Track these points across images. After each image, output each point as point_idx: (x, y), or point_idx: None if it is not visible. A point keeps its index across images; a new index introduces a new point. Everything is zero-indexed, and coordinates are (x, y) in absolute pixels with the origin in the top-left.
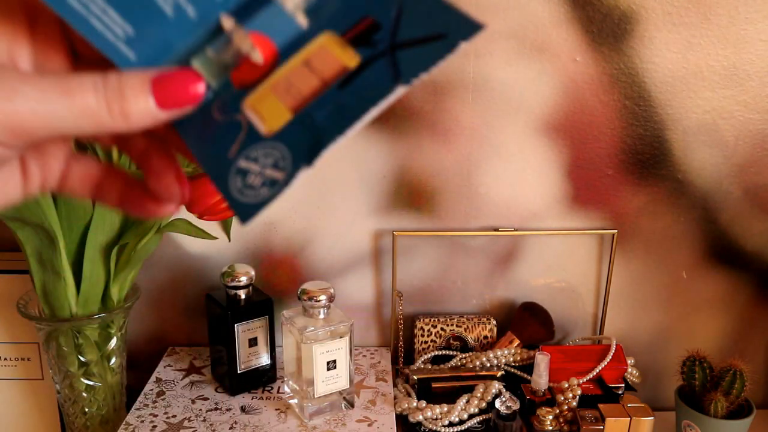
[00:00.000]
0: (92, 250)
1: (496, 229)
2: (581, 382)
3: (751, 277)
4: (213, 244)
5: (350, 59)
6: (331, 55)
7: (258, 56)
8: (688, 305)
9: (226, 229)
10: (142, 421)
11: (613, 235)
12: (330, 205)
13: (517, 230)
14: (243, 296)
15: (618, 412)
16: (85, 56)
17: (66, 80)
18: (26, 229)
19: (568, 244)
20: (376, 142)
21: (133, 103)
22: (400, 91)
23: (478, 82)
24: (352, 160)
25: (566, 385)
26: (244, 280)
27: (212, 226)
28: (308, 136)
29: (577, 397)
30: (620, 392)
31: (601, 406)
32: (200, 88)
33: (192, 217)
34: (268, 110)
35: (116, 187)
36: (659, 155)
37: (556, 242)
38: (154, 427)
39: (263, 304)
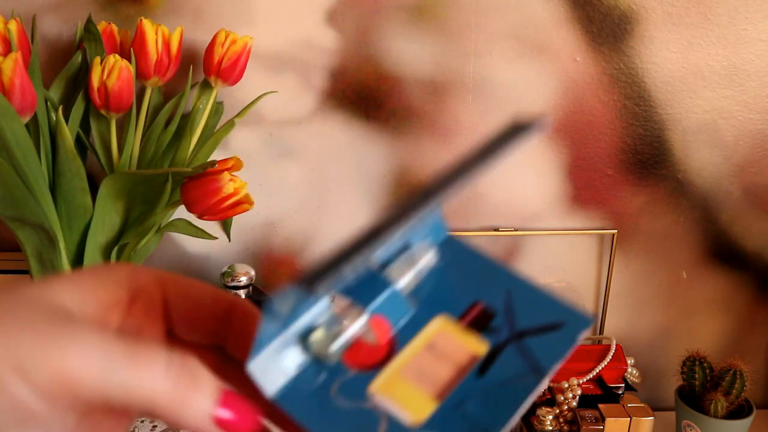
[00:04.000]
0: (92, 250)
1: (496, 229)
2: (581, 382)
3: (751, 277)
4: (213, 244)
5: (478, 346)
6: (455, 340)
7: (374, 337)
8: (688, 305)
9: (226, 229)
10: (142, 421)
11: (613, 235)
12: (330, 205)
13: (517, 230)
14: (243, 296)
15: (618, 412)
16: (181, 340)
17: (136, 342)
18: (26, 229)
19: (568, 244)
20: (376, 142)
21: (199, 394)
22: (545, 382)
23: (478, 82)
24: (352, 160)
25: (566, 385)
26: (244, 280)
27: (212, 226)
28: (468, 427)
29: (577, 397)
30: (620, 392)
31: (601, 406)
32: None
33: (192, 217)
34: (406, 397)
35: None
36: (659, 155)
37: (556, 242)
38: (154, 427)
39: (263, 304)
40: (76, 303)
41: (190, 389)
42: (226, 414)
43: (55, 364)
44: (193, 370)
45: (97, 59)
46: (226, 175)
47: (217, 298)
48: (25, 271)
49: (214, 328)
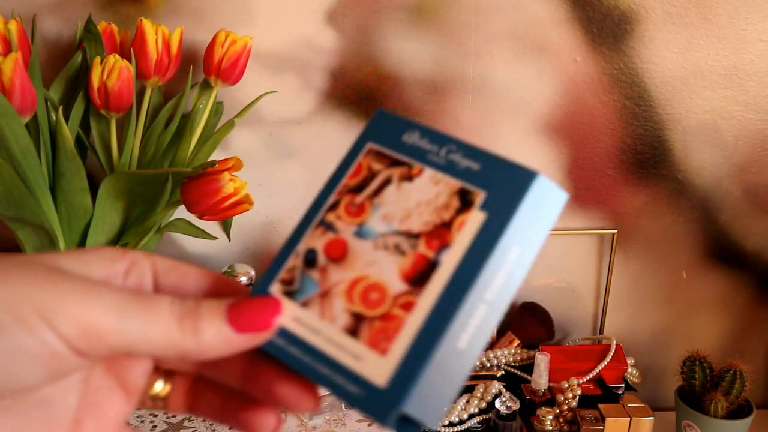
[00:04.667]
0: None
1: None
2: (581, 382)
3: (751, 277)
4: (213, 244)
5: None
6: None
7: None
8: (688, 305)
9: (226, 229)
10: (142, 421)
11: (613, 235)
12: None
13: None
14: None
15: (618, 412)
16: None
17: (145, 294)
18: (26, 229)
19: (568, 244)
20: None
21: (206, 322)
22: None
23: (478, 82)
24: None
25: (566, 385)
26: (244, 280)
27: (212, 226)
28: None
29: (577, 397)
30: (620, 392)
31: (601, 406)
32: (276, 315)
33: (192, 217)
34: None
35: (214, 402)
36: (659, 155)
37: (556, 242)
38: (154, 427)
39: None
40: (82, 272)
41: (197, 321)
42: (240, 324)
43: (77, 316)
44: (194, 304)
45: (97, 59)
46: (226, 175)
47: (203, 273)
48: None
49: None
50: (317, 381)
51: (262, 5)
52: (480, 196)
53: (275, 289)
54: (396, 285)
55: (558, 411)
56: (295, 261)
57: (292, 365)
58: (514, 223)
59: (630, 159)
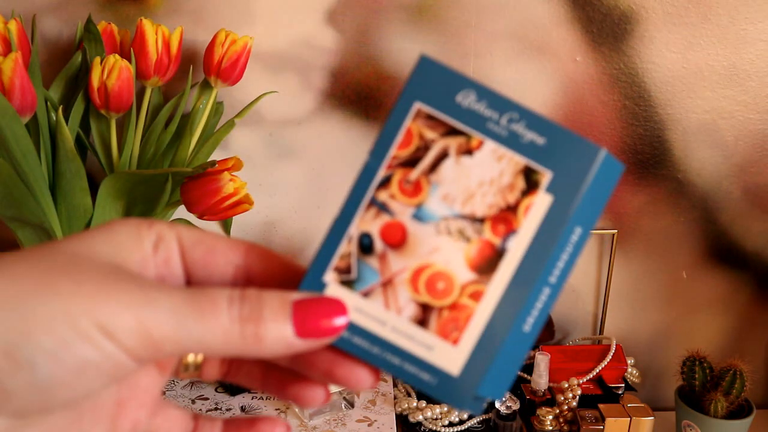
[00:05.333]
0: None
1: None
2: (581, 382)
3: (751, 277)
4: None
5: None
6: None
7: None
8: (688, 305)
9: (226, 229)
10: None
11: (613, 235)
12: (330, 205)
13: None
14: None
15: (618, 412)
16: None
17: (198, 294)
18: (26, 229)
19: None
20: None
21: (270, 327)
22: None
23: None
24: (352, 160)
25: (566, 385)
26: None
27: (212, 226)
28: None
29: (577, 397)
30: (620, 392)
31: (601, 406)
32: (342, 320)
33: (192, 217)
34: None
35: (253, 374)
36: (659, 155)
37: None
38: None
39: None
40: (119, 260)
41: (259, 324)
42: (304, 329)
43: (136, 326)
44: (254, 301)
45: (97, 59)
46: (226, 175)
47: (232, 244)
48: None
49: (233, 275)
50: (388, 370)
51: (262, 5)
52: (546, 177)
53: (330, 278)
54: (463, 273)
55: (558, 411)
56: (348, 246)
57: (361, 356)
58: (579, 204)
59: (630, 159)
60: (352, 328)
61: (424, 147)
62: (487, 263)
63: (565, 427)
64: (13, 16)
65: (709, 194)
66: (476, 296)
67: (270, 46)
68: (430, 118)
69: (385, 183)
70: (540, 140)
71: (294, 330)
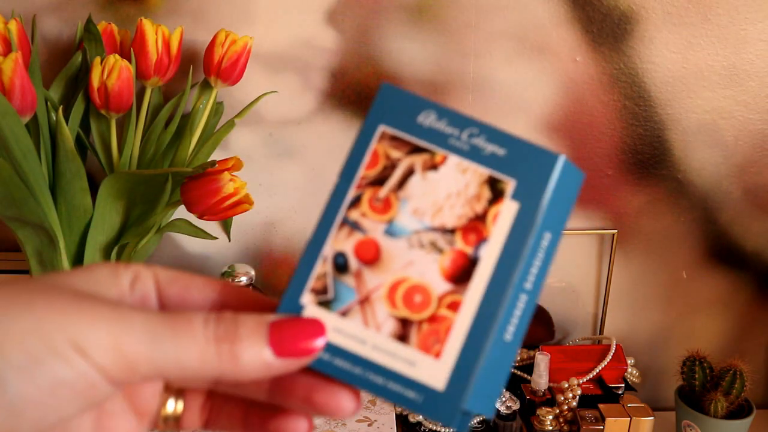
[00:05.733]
0: (92, 250)
1: None
2: (581, 382)
3: (751, 277)
4: (213, 244)
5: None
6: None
7: None
8: (688, 305)
9: (226, 229)
10: None
11: (613, 235)
12: None
13: None
14: None
15: (618, 412)
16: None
17: (173, 315)
18: (26, 229)
19: (568, 244)
20: None
21: (246, 345)
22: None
23: (478, 82)
24: None
25: (566, 385)
26: (244, 280)
27: (212, 226)
28: None
29: (577, 397)
30: (620, 392)
31: (601, 406)
32: (320, 340)
33: (192, 217)
34: None
35: (234, 415)
36: (659, 155)
37: None
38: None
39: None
40: (94, 291)
41: (235, 343)
42: (282, 349)
43: (110, 344)
44: (230, 322)
45: (97, 59)
46: (226, 175)
47: (207, 282)
48: (25, 271)
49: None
50: (371, 391)
51: (262, 5)
52: (510, 185)
53: (307, 299)
54: (439, 285)
55: (558, 411)
56: (323, 267)
57: (342, 378)
58: (545, 209)
59: (630, 159)
60: (332, 349)
61: (391, 166)
62: (462, 272)
63: (565, 427)
64: (13, 16)
65: (709, 194)
66: (454, 306)
67: (270, 46)
68: (394, 138)
69: (356, 202)
70: (501, 151)
71: (271, 350)
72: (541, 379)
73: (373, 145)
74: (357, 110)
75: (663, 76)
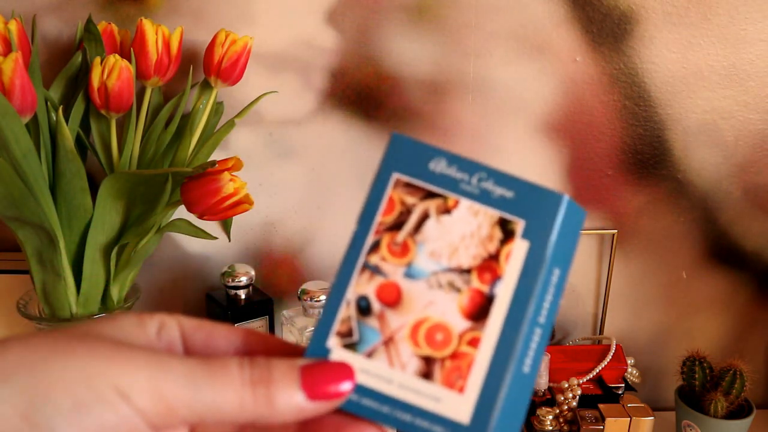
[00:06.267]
0: (92, 250)
1: None
2: (581, 382)
3: (751, 277)
4: (213, 244)
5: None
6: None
7: None
8: (688, 305)
9: (226, 229)
10: None
11: (613, 235)
12: (330, 205)
13: None
14: (243, 296)
15: (618, 412)
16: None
17: (210, 361)
18: (26, 229)
19: None
20: (376, 142)
21: (280, 388)
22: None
23: (478, 82)
24: (352, 160)
25: (566, 385)
26: (244, 280)
27: (212, 226)
28: None
29: (577, 397)
30: (620, 392)
31: (601, 406)
32: (349, 383)
33: (192, 217)
34: None
35: None
36: (659, 155)
37: None
38: None
39: (263, 304)
40: (126, 339)
41: (270, 386)
42: (314, 392)
43: (152, 389)
44: (263, 365)
45: (97, 59)
46: (226, 175)
47: (230, 330)
48: (25, 271)
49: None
50: (400, 428)
51: (262, 5)
52: (520, 225)
53: (333, 343)
54: (459, 323)
55: (558, 411)
56: (347, 311)
57: (372, 418)
58: (553, 247)
59: (630, 159)
60: (360, 389)
61: (407, 211)
62: (480, 310)
63: (565, 427)
64: (13, 16)
65: (709, 194)
66: (474, 342)
67: (270, 46)
68: (408, 185)
69: (375, 247)
70: (509, 194)
71: (304, 394)
72: (541, 379)
73: (389, 192)
74: (357, 110)
75: (663, 76)
